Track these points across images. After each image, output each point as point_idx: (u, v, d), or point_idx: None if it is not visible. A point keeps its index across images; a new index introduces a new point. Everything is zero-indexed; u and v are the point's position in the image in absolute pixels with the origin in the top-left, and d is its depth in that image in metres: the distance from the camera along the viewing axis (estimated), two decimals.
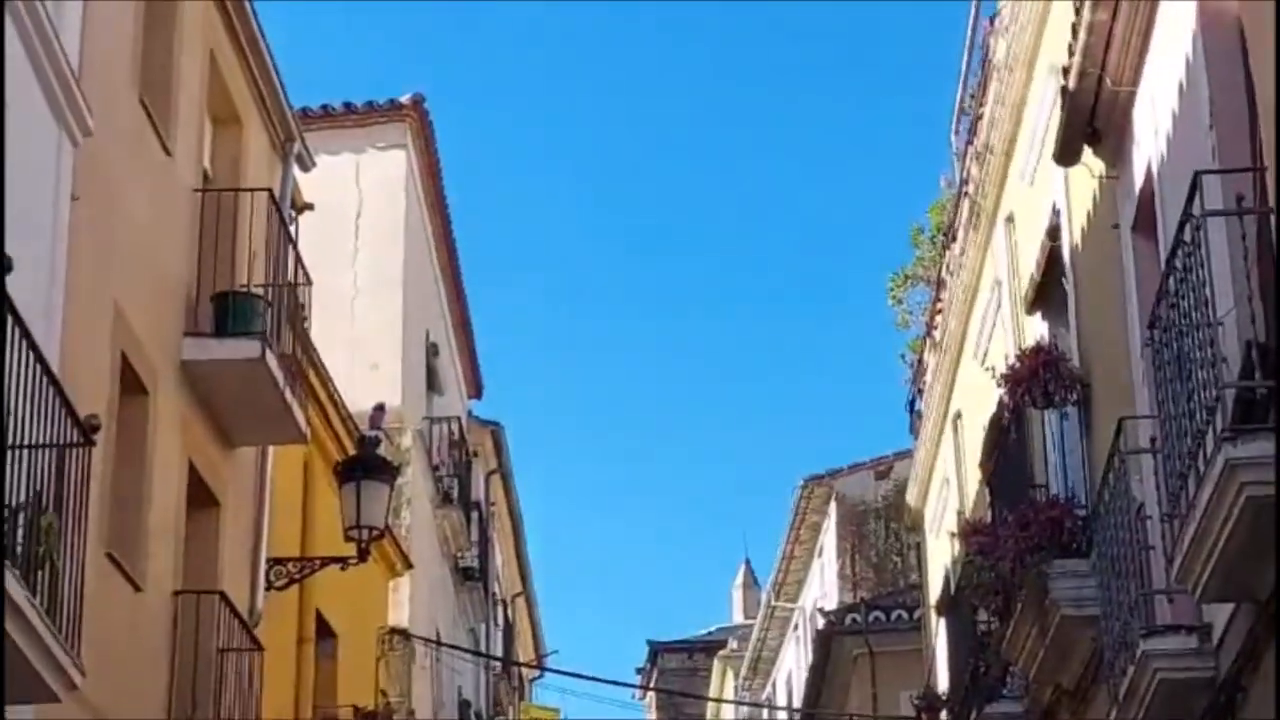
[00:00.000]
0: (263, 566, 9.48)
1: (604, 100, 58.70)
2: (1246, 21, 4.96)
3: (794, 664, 20.57)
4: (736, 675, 25.37)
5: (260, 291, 8.60)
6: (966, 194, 9.61)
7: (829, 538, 18.37)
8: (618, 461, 64.27)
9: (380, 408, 14.27)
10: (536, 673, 26.96)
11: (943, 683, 9.05)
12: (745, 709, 24.55)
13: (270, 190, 9.19)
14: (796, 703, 19.35)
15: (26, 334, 5.24)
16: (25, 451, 5.27)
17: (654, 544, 63.22)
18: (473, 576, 18.60)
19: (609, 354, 61.00)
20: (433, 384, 17.47)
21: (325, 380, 11.64)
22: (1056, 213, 7.61)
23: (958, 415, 10.78)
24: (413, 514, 15.30)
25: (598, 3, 53.59)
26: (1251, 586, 4.87)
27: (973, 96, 9.34)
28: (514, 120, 57.02)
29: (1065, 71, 6.56)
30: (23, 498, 5.27)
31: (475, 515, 18.65)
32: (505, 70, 57.53)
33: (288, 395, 8.65)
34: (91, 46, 6.77)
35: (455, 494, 17.11)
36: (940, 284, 10.83)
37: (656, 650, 32.97)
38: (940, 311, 10.90)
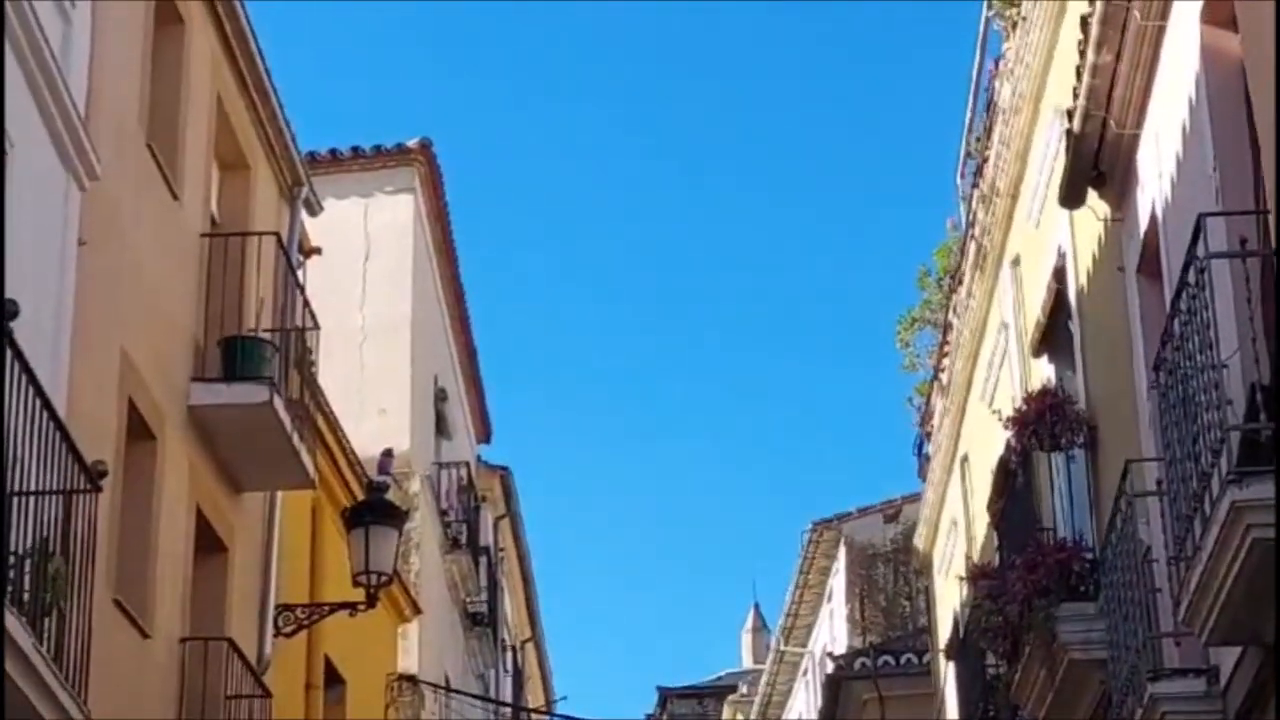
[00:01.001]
0: (271, 612, 9.42)
1: (621, 145, 58.94)
2: (1248, 64, 5.00)
3: (804, 708, 20.37)
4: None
5: (268, 336, 8.62)
6: (973, 237, 9.64)
7: (838, 581, 18.25)
8: (627, 506, 64.04)
9: (389, 453, 14.24)
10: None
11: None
12: None
13: (278, 234, 9.25)
14: None
15: (33, 379, 5.25)
16: (32, 498, 5.27)
17: (664, 588, 62.78)
18: (481, 622, 18.49)
19: (621, 398, 60.92)
20: (441, 429, 17.47)
21: (333, 425, 11.64)
22: (1062, 255, 7.62)
23: (965, 458, 10.75)
24: (421, 559, 15.23)
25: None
26: (1258, 629, 4.84)
27: (978, 140, 9.38)
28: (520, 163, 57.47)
29: (1070, 114, 6.60)
30: (30, 544, 5.27)
31: (484, 560, 18.56)
32: (509, 109, 57.94)
33: (295, 440, 8.64)
34: (98, 90, 6.84)
35: (464, 539, 17.05)
36: (947, 327, 10.84)
37: (666, 696, 32.72)
38: (947, 354, 10.89)
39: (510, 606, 23.21)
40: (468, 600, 17.85)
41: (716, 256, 59.67)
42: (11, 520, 5.06)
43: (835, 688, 15.06)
